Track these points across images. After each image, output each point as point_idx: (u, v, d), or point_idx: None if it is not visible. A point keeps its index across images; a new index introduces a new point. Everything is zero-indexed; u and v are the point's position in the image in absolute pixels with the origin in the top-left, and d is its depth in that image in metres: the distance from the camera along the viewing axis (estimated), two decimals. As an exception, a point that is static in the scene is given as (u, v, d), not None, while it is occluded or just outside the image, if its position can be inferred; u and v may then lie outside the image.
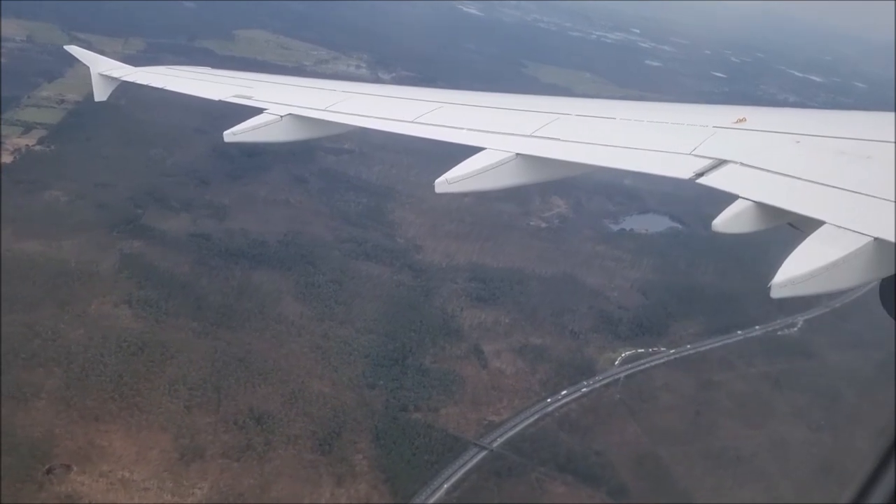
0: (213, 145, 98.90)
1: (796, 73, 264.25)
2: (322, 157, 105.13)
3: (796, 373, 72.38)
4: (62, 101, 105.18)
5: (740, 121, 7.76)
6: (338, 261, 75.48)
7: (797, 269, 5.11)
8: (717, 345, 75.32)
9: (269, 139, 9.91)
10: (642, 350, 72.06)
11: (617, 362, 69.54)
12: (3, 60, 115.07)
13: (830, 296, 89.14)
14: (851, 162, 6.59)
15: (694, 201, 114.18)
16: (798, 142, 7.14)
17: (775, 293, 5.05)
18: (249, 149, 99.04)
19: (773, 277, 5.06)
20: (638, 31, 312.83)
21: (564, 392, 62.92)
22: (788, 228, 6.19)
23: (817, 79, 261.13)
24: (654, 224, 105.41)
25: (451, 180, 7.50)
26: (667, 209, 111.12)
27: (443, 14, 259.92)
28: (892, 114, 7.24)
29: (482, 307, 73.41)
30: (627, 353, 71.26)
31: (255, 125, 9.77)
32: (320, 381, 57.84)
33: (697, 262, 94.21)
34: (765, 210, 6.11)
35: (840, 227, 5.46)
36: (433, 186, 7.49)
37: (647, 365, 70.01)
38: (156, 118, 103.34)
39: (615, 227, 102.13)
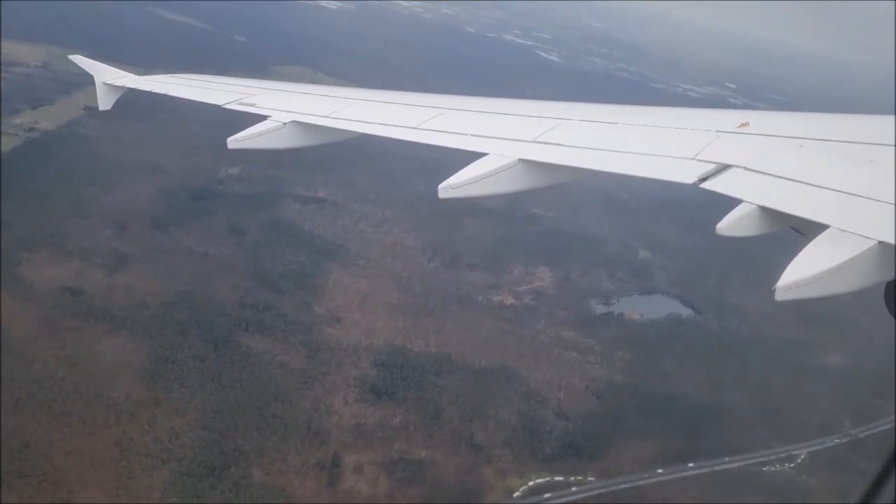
0: (161, 186, 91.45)
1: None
2: (287, 205, 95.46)
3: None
4: (31, 129, 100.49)
5: (744, 125, 7.68)
6: (220, 330, 64.32)
7: (801, 273, 5.10)
8: (668, 478, 58.94)
9: (272, 146, 9.57)
10: (561, 478, 56.82)
11: (518, 493, 54.70)
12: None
13: (853, 423, 70.57)
14: (855, 166, 6.53)
15: (717, 283, 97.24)
16: (801, 146, 7.09)
17: (779, 296, 5.04)
18: (197, 192, 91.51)
19: (777, 281, 5.02)
20: (734, 85, 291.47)
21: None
22: (792, 233, 6.16)
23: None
24: (655, 308, 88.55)
25: (455, 185, 7.34)
26: (678, 291, 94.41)
27: (518, 62, 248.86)
28: (894, 117, 7.16)
29: (373, 403, 60.36)
30: (539, 480, 56.23)
31: (259, 132, 9.52)
32: (95, 491, 46.50)
33: (691, 360, 77.30)
34: (768, 214, 6.04)
35: (844, 230, 5.44)
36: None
37: (559, 501, 54.79)
38: (117, 153, 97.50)
39: (601, 310, 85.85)
